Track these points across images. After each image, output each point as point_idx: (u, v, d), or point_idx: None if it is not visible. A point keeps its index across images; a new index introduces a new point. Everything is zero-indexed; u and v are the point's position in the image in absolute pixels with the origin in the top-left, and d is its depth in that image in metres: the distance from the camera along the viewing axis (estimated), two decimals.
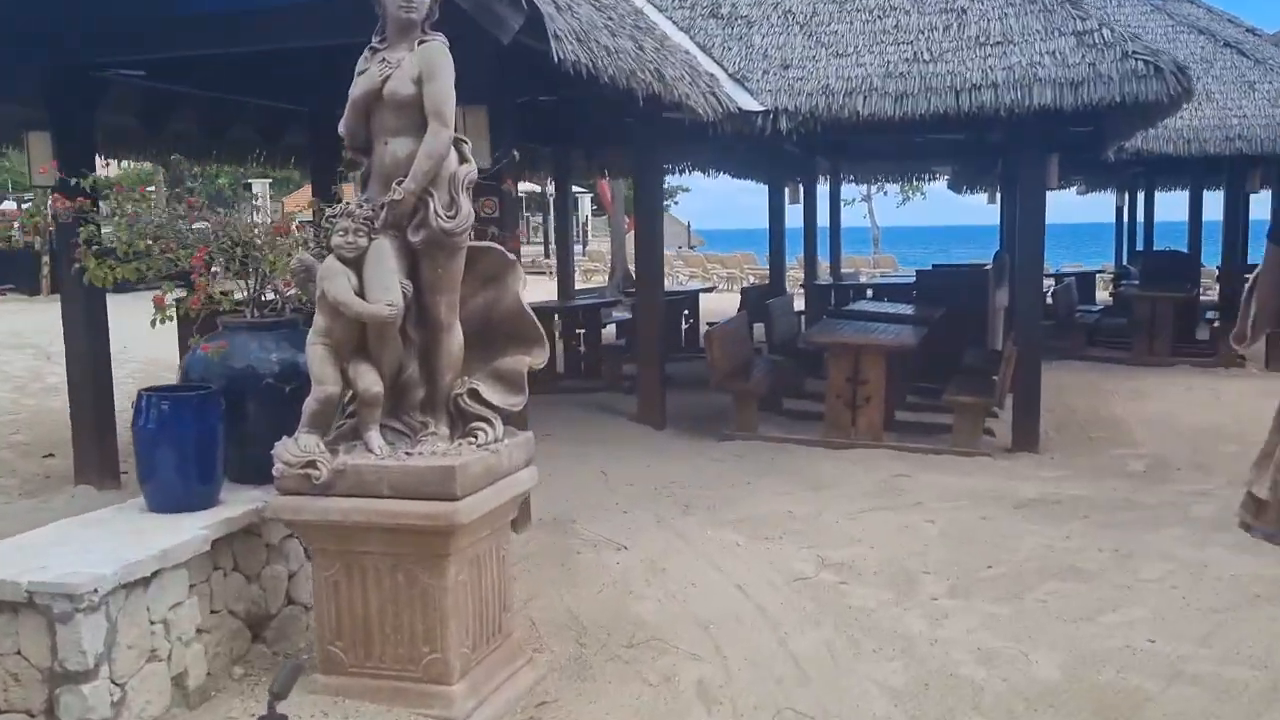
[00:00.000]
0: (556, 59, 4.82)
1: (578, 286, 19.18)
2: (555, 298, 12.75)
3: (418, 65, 3.58)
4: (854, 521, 6.13)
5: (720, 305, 15.42)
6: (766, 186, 13.04)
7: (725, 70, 7.73)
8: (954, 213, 53.60)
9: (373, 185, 3.73)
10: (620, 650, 4.31)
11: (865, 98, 7.39)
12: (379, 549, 3.58)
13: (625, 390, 9.75)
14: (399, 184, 3.57)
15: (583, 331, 10.98)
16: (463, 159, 3.70)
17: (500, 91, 5.51)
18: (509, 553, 4.06)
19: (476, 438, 3.74)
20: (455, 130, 3.67)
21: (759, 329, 10.87)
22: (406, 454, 3.63)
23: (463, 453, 3.63)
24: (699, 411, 8.97)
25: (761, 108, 7.48)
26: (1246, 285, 2.70)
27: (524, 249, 36.66)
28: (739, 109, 7.21)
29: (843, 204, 17.71)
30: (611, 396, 9.77)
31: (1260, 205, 14.11)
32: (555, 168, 13.23)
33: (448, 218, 3.57)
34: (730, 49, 8.16)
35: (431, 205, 3.56)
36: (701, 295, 13.69)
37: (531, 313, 3.94)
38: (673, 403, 9.05)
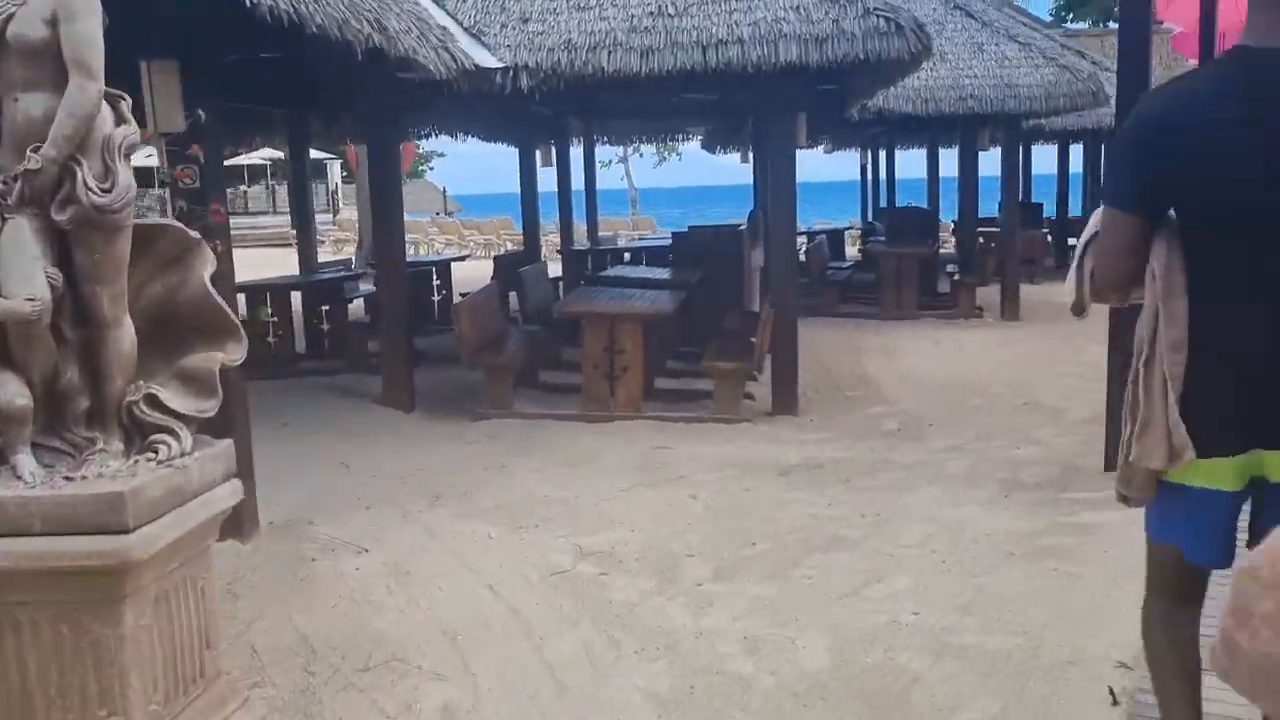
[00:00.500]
0: (249, 2, 4.17)
1: (327, 258, 18.14)
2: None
3: (51, 2, 2.90)
4: (614, 502, 5.82)
5: (476, 274, 14.80)
6: (517, 150, 12.56)
7: (460, 24, 7.17)
8: (710, 173, 54.66)
9: (3, 152, 3.03)
10: (355, 676, 3.81)
11: (610, 53, 7.02)
12: (35, 597, 2.93)
13: (373, 370, 9.10)
14: (36, 150, 2.90)
15: (326, 308, 10.20)
16: (120, 119, 3.05)
17: (194, 43, 4.80)
18: (212, 581, 3.47)
19: (158, 453, 3.13)
20: (141, 88, 3.03)
21: (516, 299, 10.44)
22: (66, 478, 2.99)
23: (138, 473, 3.02)
24: (451, 390, 8.46)
25: (501, 64, 6.98)
26: (1076, 252, 2.54)
27: (269, 219, 34.75)
28: (476, 65, 6.69)
29: (599, 166, 17.45)
30: (357, 378, 9.10)
31: (989, 162, 14.75)
32: (290, 132, 12.24)
33: (101, 191, 2.93)
34: (465, 1, 7.61)
35: (80, 176, 2.92)
36: (454, 264, 13.06)
37: (222, 300, 3.34)
38: (424, 381, 8.50)
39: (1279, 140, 2.12)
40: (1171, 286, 2.26)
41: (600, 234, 18.95)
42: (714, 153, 19.42)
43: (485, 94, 7.19)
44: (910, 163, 21.70)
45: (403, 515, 5.62)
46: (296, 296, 10.15)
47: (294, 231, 20.27)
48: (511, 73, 7.00)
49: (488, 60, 6.87)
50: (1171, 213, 2.30)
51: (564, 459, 6.66)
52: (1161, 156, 2.22)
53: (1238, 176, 2.15)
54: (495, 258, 14.33)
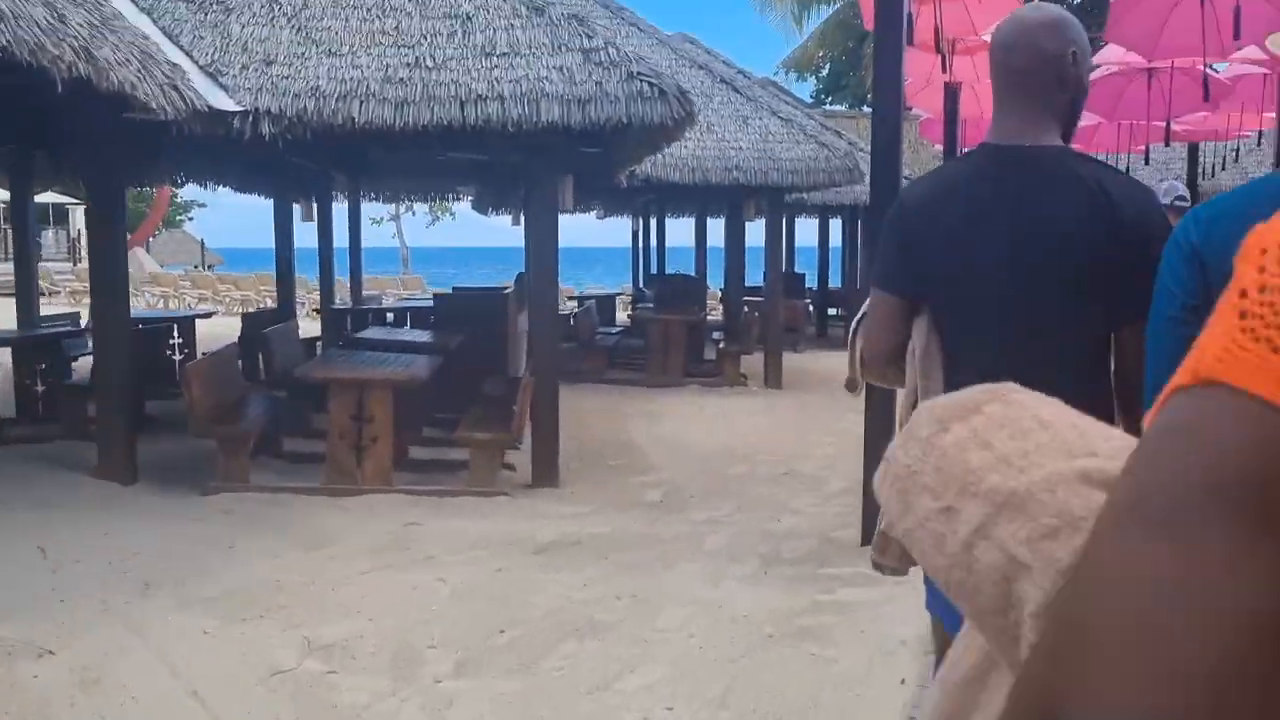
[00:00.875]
0: None
1: (61, 311, 16.60)
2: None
3: None
4: (353, 587, 5.31)
5: (226, 332, 13.87)
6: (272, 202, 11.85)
7: (195, 62, 6.59)
8: (484, 234, 54.33)
9: None
10: None
11: (362, 103, 6.60)
12: None
13: (93, 438, 8.18)
14: None
15: (42, 367, 9.17)
16: None
17: None
18: None
19: None
20: None
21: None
22: None
23: None
24: (184, 461, 7.69)
25: (239, 108, 6.43)
26: (851, 330, 2.65)
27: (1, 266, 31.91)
28: (209, 107, 6.12)
29: (371, 223, 16.89)
30: (73, 446, 8.12)
31: (755, 232, 15.10)
32: (11, 170, 11.10)
33: None
34: (203, 38, 6.99)
35: None
36: (201, 321, 12.13)
37: None
38: (153, 451, 7.72)
39: (1020, 230, 2.27)
40: (929, 365, 2.38)
41: (367, 293, 18.25)
42: (485, 214, 19.14)
43: (224, 140, 6.62)
44: (681, 230, 22.09)
45: (103, 608, 4.92)
46: (6, 353, 9.09)
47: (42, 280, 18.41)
48: (251, 118, 6.46)
49: (225, 103, 6.31)
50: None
51: (302, 538, 6.08)
52: (918, 243, 2.38)
53: (983, 263, 2.31)
54: (243, 315, 13.42)
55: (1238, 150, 11.74)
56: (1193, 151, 13.53)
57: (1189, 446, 0.54)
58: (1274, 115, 9.19)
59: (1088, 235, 2.22)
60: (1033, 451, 0.75)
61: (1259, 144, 11.46)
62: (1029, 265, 2.26)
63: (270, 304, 21.18)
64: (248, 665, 4.31)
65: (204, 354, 9.11)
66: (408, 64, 6.87)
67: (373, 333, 10.33)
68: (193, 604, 5.00)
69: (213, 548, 5.88)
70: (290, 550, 5.87)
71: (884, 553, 2.48)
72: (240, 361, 9.91)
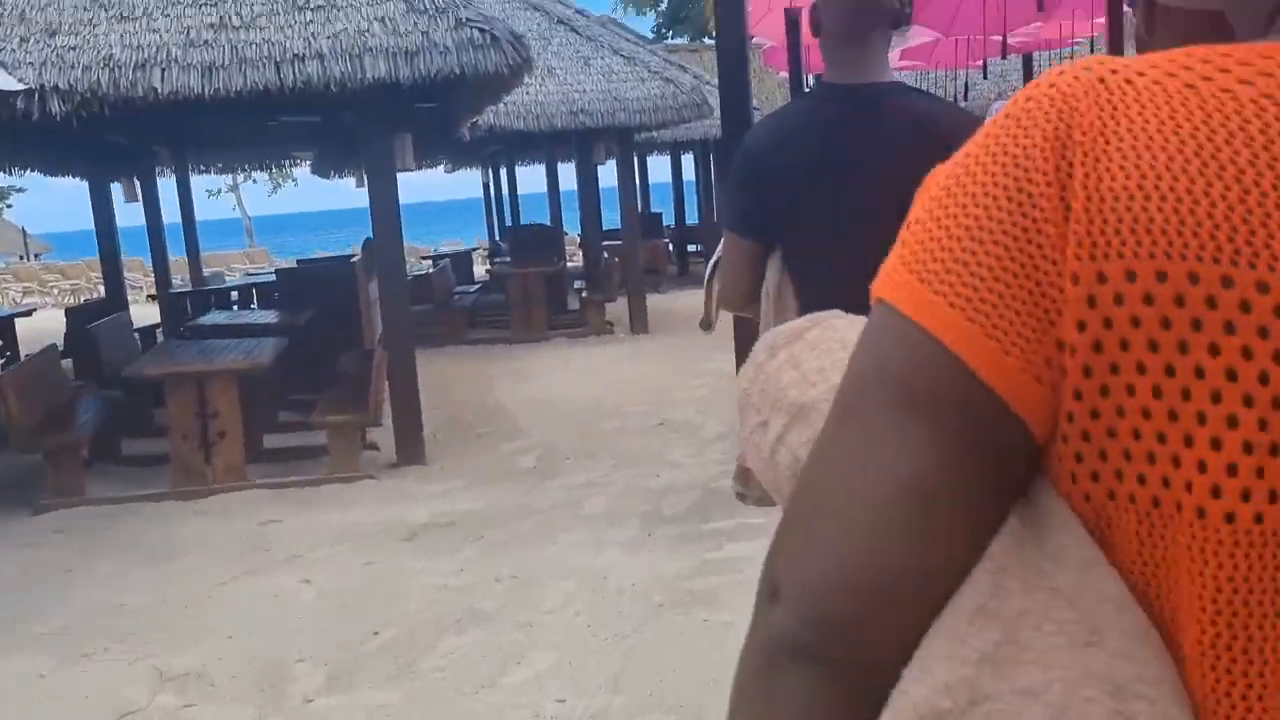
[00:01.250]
0: None
1: None
2: None
3: None
4: (209, 602, 4.90)
5: (55, 327, 12.91)
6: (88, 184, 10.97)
7: None
8: (330, 196, 52.46)
9: None
10: None
11: (164, 71, 5.99)
12: None
13: None
14: None
15: None
16: None
17: None
18: None
19: None
20: None
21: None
22: None
23: None
24: (13, 479, 7.05)
25: (22, 86, 5.76)
26: (706, 272, 2.74)
27: None
28: None
29: (208, 195, 15.90)
30: None
31: (607, 174, 14.77)
32: None
33: None
34: None
35: None
36: (22, 320, 11.24)
37: None
38: None
39: (856, 173, 2.30)
40: (782, 304, 2.43)
41: (210, 270, 17.29)
42: (327, 177, 18.32)
43: (12, 122, 5.95)
44: (534, 178, 21.59)
45: None
46: None
47: None
48: (38, 96, 5.80)
49: (4, 81, 5.65)
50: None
51: (148, 553, 5.60)
52: (759, 186, 2.41)
53: (816, 203, 2.35)
54: (67, 310, 12.48)
55: (1071, 57, 11.91)
56: (1027, 62, 13.67)
57: (860, 351, 0.66)
58: (1104, 20, 9.27)
59: (921, 174, 2.19)
60: (828, 368, 0.87)
61: (1091, 51, 11.63)
62: (866, 206, 2.26)
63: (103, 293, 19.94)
64: (93, 708, 3.91)
65: (26, 357, 8.39)
66: (211, 24, 6.27)
67: (214, 317, 9.70)
68: (23, 643, 4.53)
69: (46, 574, 5.37)
70: (135, 568, 5.39)
71: (747, 483, 2.53)
72: (71, 359, 9.19)
